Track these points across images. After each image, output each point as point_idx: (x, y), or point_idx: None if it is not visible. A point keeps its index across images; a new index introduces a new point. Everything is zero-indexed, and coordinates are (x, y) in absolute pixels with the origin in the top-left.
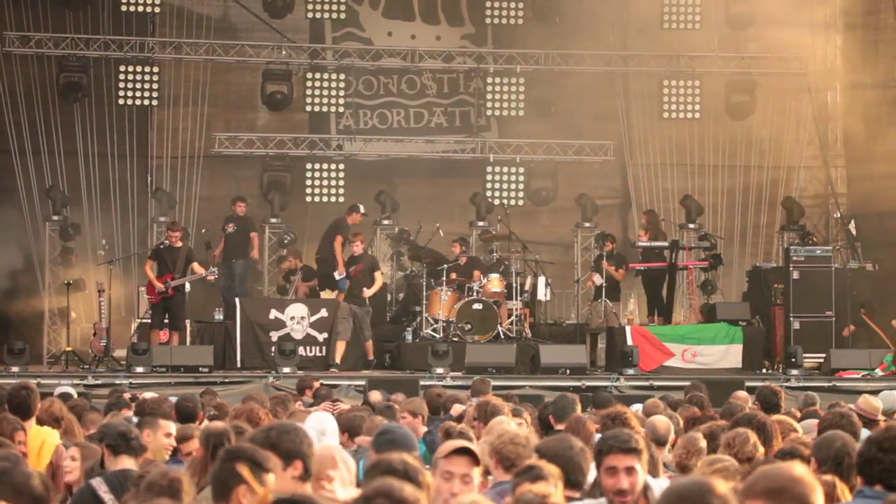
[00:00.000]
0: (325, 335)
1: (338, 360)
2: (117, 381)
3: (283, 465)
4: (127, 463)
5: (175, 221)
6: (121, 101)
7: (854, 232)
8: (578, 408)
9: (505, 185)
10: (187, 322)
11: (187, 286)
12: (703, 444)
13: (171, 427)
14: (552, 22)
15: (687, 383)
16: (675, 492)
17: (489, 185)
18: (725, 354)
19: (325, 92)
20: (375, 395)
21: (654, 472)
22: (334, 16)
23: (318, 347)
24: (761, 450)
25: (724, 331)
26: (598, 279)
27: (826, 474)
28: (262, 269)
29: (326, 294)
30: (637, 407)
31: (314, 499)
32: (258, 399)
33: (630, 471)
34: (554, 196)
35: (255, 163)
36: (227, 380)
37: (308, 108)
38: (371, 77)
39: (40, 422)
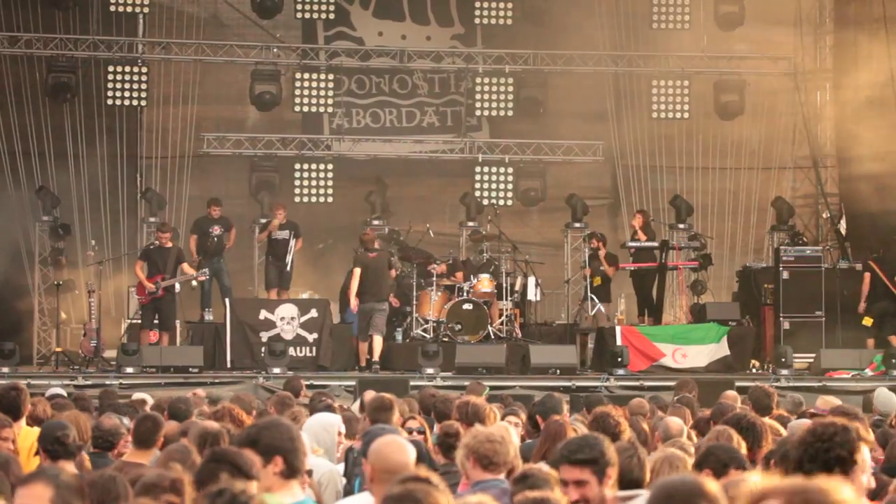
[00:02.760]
0: (315, 335)
1: (376, 357)
2: (107, 382)
3: (263, 462)
4: (65, 468)
5: (165, 222)
6: (110, 102)
7: (844, 232)
8: (565, 407)
9: (494, 186)
10: (177, 322)
11: (177, 287)
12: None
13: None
14: (541, 22)
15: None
16: (664, 489)
17: (478, 186)
18: (715, 352)
19: (315, 92)
20: (371, 396)
21: (640, 474)
22: (324, 16)
23: (308, 348)
24: (744, 448)
25: (713, 330)
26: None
27: None
28: (252, 269)
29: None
30: None
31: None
32: (243, 400)
33: (580, 483)
34: (543, 196)
35: (244, 163)
36: (216, 380)
37: (297, 108)
38: (363, 76)
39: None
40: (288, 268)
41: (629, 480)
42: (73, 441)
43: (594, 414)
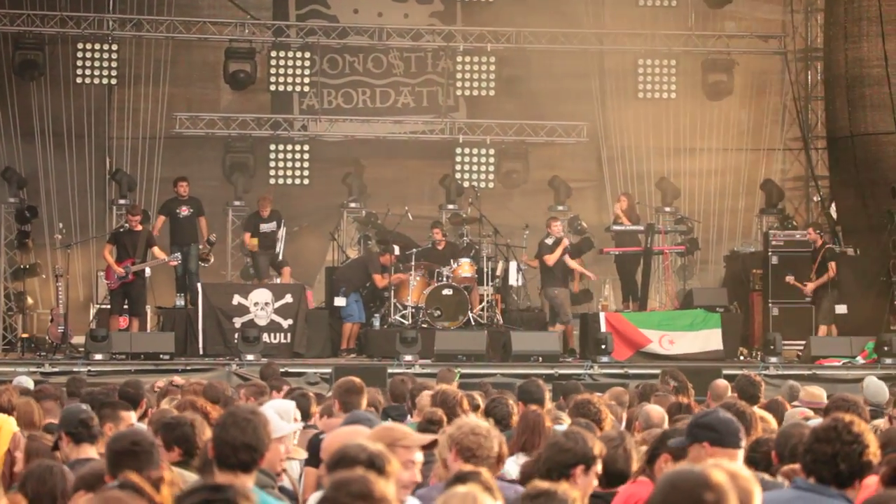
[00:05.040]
0: (290, 321)
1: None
2: (75, 369)
3: None
4: (89, 452)
5: (135, 205)
6: (79, 80)
7: (835, 215)
8: (547, 395)
9: (475, 167)
10: (148, 308)
11: (147, 271)
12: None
13: (133, 417)
14: None
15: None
16: (669, 481)
17: (459, 168)
18: (704, 340)
19: (290, 71)
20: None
21: (626, 466)
22: None
23: (282, 334)
24: None
25: (700, 317)
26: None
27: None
28: (226, 252)
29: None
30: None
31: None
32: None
33: None
34: (526, 178)
35: (218, 144)
36: (188, 367)
37: (272, 88)
38: (336, 55)
39: None
40: (280, 257)
41: (614, 471)
42: (96, 424)
43: (575, 402)
